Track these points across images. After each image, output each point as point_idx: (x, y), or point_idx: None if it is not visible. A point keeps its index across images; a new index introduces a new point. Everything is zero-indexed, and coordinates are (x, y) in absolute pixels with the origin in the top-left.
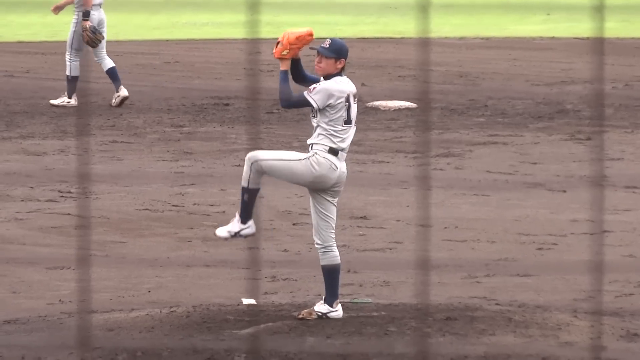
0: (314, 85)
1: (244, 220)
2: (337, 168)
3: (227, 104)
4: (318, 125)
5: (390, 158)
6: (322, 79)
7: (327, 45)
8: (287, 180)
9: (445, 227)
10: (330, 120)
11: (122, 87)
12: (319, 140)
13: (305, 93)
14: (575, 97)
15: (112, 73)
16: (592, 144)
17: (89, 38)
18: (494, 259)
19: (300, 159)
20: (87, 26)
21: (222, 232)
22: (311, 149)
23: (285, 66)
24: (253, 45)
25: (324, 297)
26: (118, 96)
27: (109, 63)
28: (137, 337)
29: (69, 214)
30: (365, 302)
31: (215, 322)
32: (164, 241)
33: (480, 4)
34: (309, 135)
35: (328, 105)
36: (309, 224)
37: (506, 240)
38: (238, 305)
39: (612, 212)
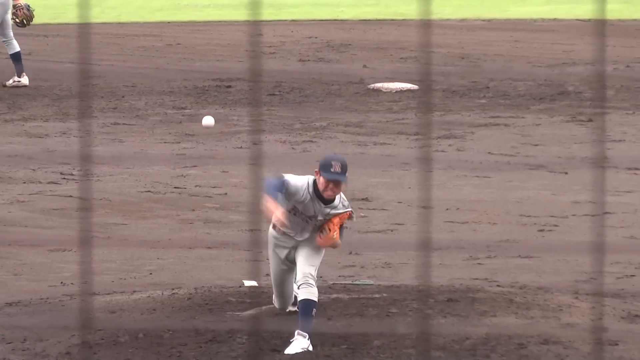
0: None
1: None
2: None
3: (228, 86)
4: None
5: (392, 140)
6: (338, 202)
7: (340, 170)
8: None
9: (447, 209)
10: None
11: (24, 74)
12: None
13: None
14: (577, 78)
15: (16, 57)
16: (594, 125)
17: (25, 16)
18: (496, 241)
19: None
20: (22, 3)
21: (295, 349)
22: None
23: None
24: (255, 27)
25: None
26: (19, 81)
27: (16, 46)
28: (139, 318)
29: (70, 196)
30: (367, 284)
31: (217, 303)
32: (165, 223)
33: None
34: (310, 118)
35: None
36: None
37: (507, 222)
38: (240, 287)
39: (614, 193)
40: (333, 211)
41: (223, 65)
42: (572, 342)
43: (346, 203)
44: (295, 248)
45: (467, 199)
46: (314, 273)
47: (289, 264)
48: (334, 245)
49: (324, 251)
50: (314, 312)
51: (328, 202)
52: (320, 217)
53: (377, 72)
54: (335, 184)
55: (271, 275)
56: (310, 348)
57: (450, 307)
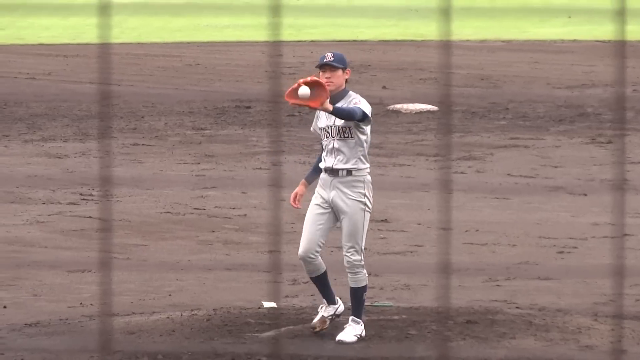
0: (354, 101)
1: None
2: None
3: (248, 107)
4: (352, 146)
5: (412, 161)
6: (351, 100)
7: (332, 58)
8: None
9: (466, 231)
10: (368, 137)
11: None
12: (358, 166)
13: (357, 106)
14: (596, 100)
15: None
16: (613, 147)
17: None
18: (515, 263)
19: (363, 216)
20: None
21: (349, 337)
22: (346, 175)
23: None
24: (275, 47)
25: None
26: None
27: None
28: (158, 340)
29: (90, 217)
30: (386, 306)
31: (236, 325)
32: (185, 244)
33: (501, 7)
34: None
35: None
36: None
37: (527, 244)
38: (259, 308)
39: (633, 215)
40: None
41: (243, 85)
42: None
43: (354, 100)
44: (334, 191)
45: (487, 221)
46: (359, 257)
47: (325, 209)
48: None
49: (364, 222)
50: (364, 297)
51: (335, 102)
52: (331, 123)
53: (397, 93)
54: (329, 70)
55: (305, 223)
56: (364, 334)
57: (469, 329)
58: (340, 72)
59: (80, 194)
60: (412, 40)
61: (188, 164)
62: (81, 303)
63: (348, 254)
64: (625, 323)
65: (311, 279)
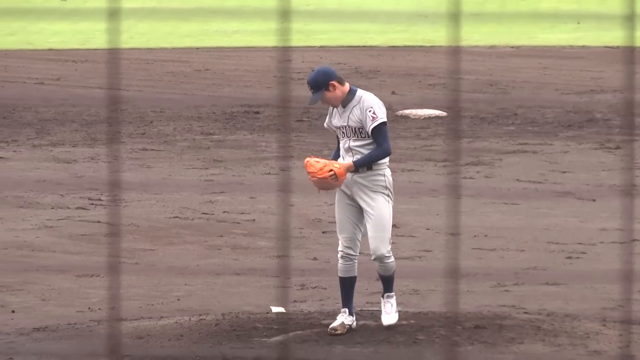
0: (372, 109)
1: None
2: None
3: (257, 112)
4: (368, 145)
5: (420, 166)
6: (359, 99)
7: (311, 89)
8: None
9: (475, 236)
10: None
11: None
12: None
13: (374, 124)
14: (605, 105)
15: None
16: (622, 152)
17: None
18: (523, 268)
19: (387, 207)
20: None
21: (393, 318)
22: (366, 170)
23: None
24: (284, 53)
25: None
26: None
27: None
28: (167, 345)
29: (98, 222)
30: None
31: (245, 330)
32: (193, 249)
33: (511, 13)
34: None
35: None
36: None
37: (535, 249)
38: (267, 313)
39: None
40: (353, 116)
41: (251, 91)
42: None
43: (366, 105)
44: (355, 187)
45: (495, 226)
46: (384, 249)
47: (353, 204)
48: (325, 181)
49: (388, 213)
50: (394, 276)
51: (346, 103)
52: (345, 123)
53: (406, 99)
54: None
55: (336, 215)
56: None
57: (477, 334)
58: (327, 93)
59: (89, 199)
60: (421, 46)
61: (197, 169)
62: (90, 308)
63: (375, 247)
64: (634, 328)
65: (341, 280)
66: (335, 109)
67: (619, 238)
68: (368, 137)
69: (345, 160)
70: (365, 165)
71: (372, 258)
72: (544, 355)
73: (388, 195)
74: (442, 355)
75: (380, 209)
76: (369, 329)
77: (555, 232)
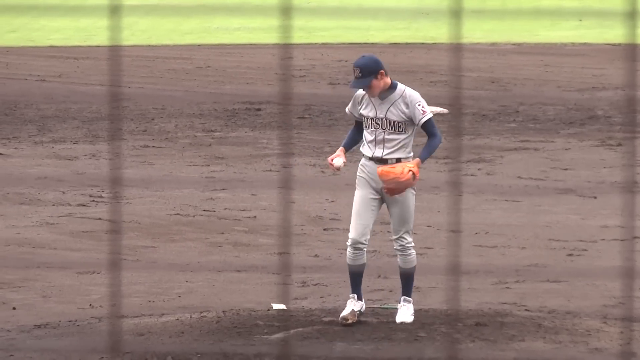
0: (421, 104)
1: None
2: None
3: (258, 109)
4: (403, 139)
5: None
6: (402, 93)
7: (360, 75)
8: None
9: (476, 233)
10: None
11: None
12: (407, 154)
13: (425, 117)
14: (607, 103)
15: None
16: (623, 149)
17: None
18: (524, 265)
19: (413, 198)
20: None
21: (408, 317)
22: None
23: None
24: (285, 50)
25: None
26: None
27: None
28: (167, 341)
29: (100, 219)
30: (396, 308)
31: (246, 327)
32: (194, 246)
33: (512, 10)
34: (340, 141)
35: None
36: (339, 229)
37: (536, 246)
38: (268, 310)
39: None
40: (396, 109)
41: (253, 88)
42: None
43: (414, 100)
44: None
45: (496, 223)
46: (410, 239)
47: (375, 196)
48: (398, 180)
49: (413, 205)
50: (414, 275)
51: (385, 95)
52: (382, 116)
53: None
54: (366, 89)
55: (354, 204)
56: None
57: (478, 332)
58: (374, 81)
59: (90, 196)
60: (422, 43)
61: (198, 165)
62: (91, 304)
63: (401, 238)
64: (635, 326)
65: (351, 268)
66: (370, 99)
67: (620, 235)
68: (405, 131)
69: (374, 150)
70: (428, 157)
71: (395, 247)
72: (545, 352)
73: (414, 187)
74: (443, 352)
75: (408, 200)
76: (370, 325)
77: (557, 229)
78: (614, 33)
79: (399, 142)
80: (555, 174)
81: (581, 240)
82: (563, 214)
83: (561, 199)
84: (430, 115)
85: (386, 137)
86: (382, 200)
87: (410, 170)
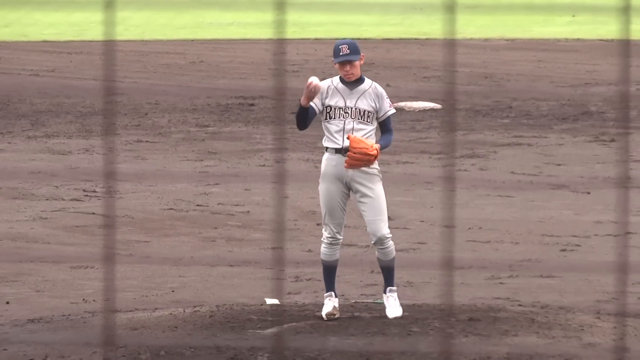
0: (388, 98)
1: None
2: None
3: (252, 104)
4: (369, 130)
5: (415, 159)
6: (370, 85)
7: (349, 51)
8: None
9: (469, 228)
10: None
11: None
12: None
13: (391, 111)
14: (600, 98)
15: None
16: (617, 145)
17: None
18: (518, 260)
19: (383, 190)
20: None
21: (398, 310)
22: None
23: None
24: (279, 45)
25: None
26: None
27: None
28: (161, 336)
29: (93, 213)
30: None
31: (239, 321)
32: (188, 241)
33: (505, 5)
34: None
35: None
36: None
37: (530, 242)
38: (261, 305)
39: (636, 213)
40: (366, 100)
41: (246, 83)
42: None
43: (381, 93)
44: (350, 170)
45: (490, 219)
46: (385, 231)
47: (343, 189)
48: (363, 154)
49: (383, 192)
50: (394, 265)
51: (354, 86)
52: (352, 105)
53: (401, 91)
54: (349, 64)
55: (321, 202)
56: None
57: (471, 326)
58: (357, 62)
59: (84, 190)
60: (416, 39)
61: (191, 160)
62: (84, 299)
63: (377, 229)
64: (628, 321)
65: (325, 266)
66: (337, 89)
67: (614, 230)
68: (371, 123)
69: (342, 141)
70: (387, 145)
71: (373, 242)
72: (538, 347)
73: (379, 173)
74: (436, 347)
75: (378, 193)
76: (363, 320)
77: (550, 224)
78: (608, 29)
79: (367, 133)
80: (549, 169)
81: (574, 236)
82: (556, 210)
83: (554, 195)
84: (394, 111)
85: (355, 126)
86: (349, 195)
87: (376, 149)
